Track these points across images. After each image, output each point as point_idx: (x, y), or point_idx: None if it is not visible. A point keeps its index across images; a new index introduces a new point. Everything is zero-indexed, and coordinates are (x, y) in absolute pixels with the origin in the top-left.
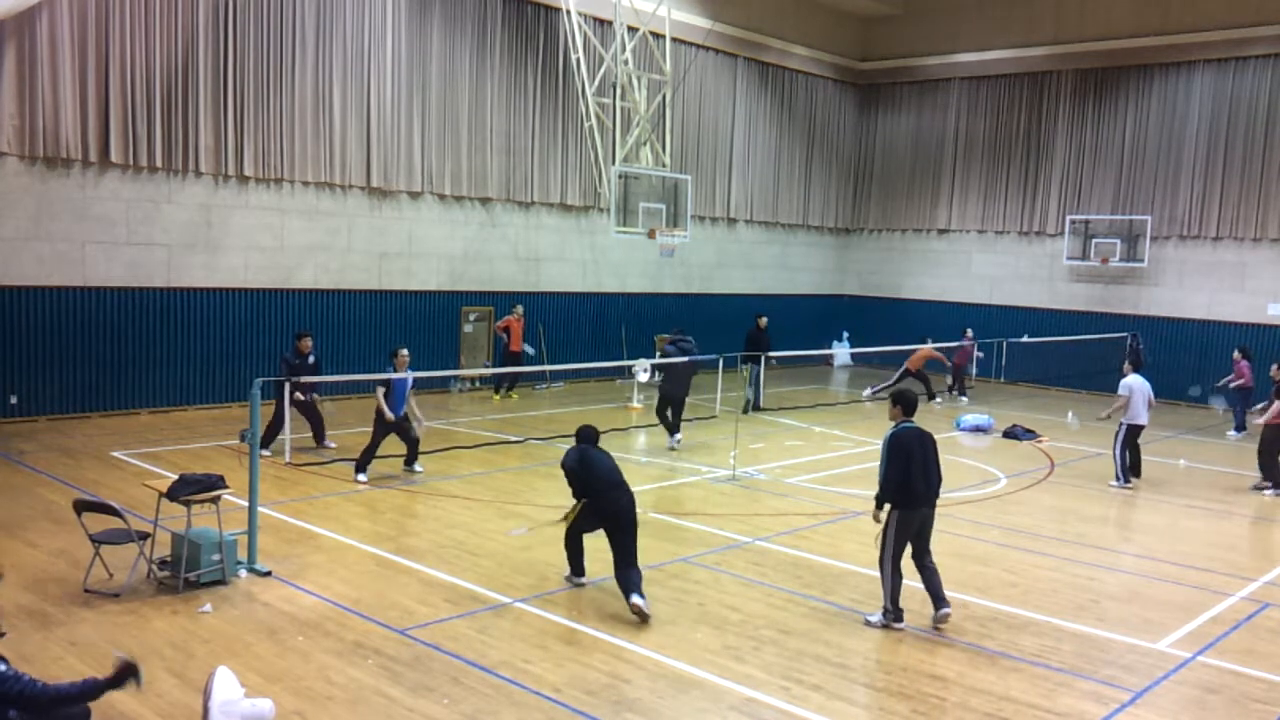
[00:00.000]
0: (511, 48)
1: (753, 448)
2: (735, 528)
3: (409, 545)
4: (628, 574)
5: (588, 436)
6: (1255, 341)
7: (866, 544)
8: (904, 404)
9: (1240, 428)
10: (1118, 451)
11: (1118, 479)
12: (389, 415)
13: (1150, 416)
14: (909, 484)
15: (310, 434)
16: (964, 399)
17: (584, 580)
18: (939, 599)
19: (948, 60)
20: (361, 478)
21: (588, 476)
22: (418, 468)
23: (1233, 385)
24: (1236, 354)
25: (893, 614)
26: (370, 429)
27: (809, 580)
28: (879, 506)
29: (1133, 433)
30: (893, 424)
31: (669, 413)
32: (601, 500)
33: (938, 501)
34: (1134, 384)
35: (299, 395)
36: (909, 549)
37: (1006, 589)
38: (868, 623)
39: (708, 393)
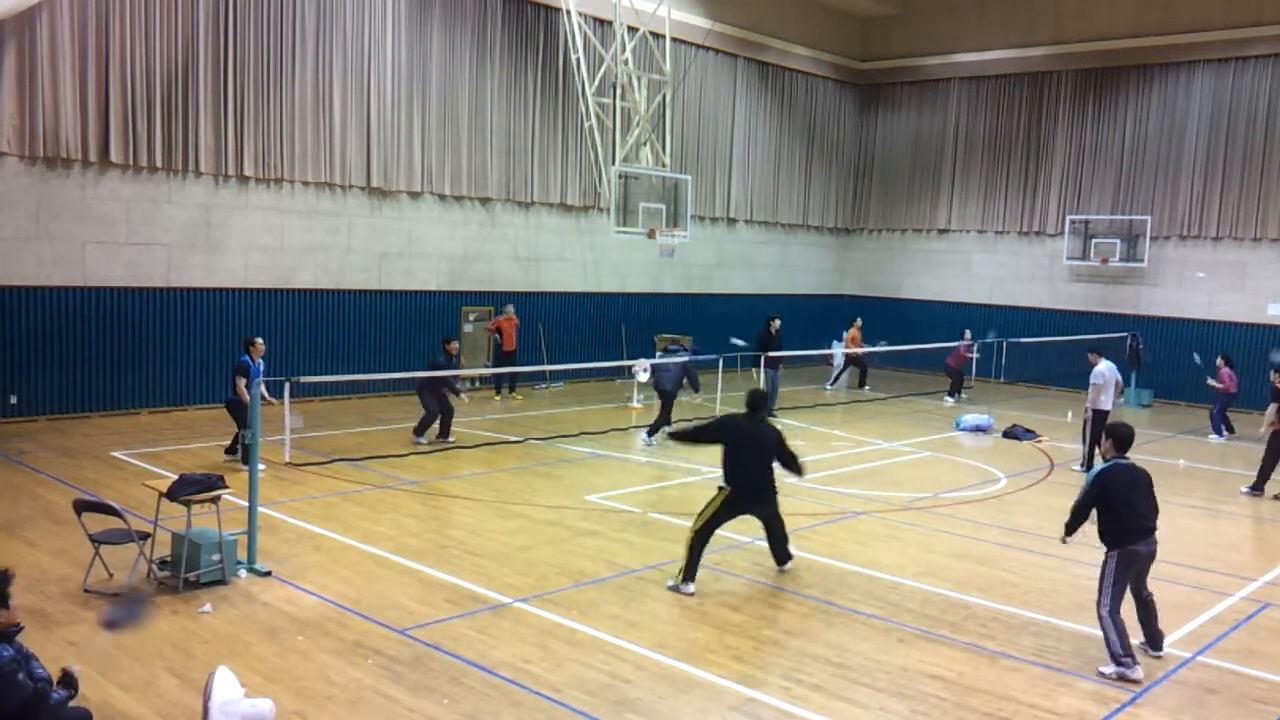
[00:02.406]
0: (511, 48)
1: None
2: (735, 528)
3: (409, 545)
4: None
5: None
6: (1255, 341)
7: (866, 544)
8: (1117, 439)
9: (1219, 432)
10: (1088, 437)
11: (1083, 465)
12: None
13: (1118, 404)
14: (1131, 521)
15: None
16: (950, 400)
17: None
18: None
19: (948, 60)
20: (232, 458)
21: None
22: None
23: (1213, 385)
24: (1220, 360)
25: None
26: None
27: (809, 580)
28: (1069, 534)
29: (1100, 418)
30: (1104, 460)
31: (666, 411)
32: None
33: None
34: (1106, 371)
35: (445, 390)
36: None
37: (1007, 589)
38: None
39: (708, 393)
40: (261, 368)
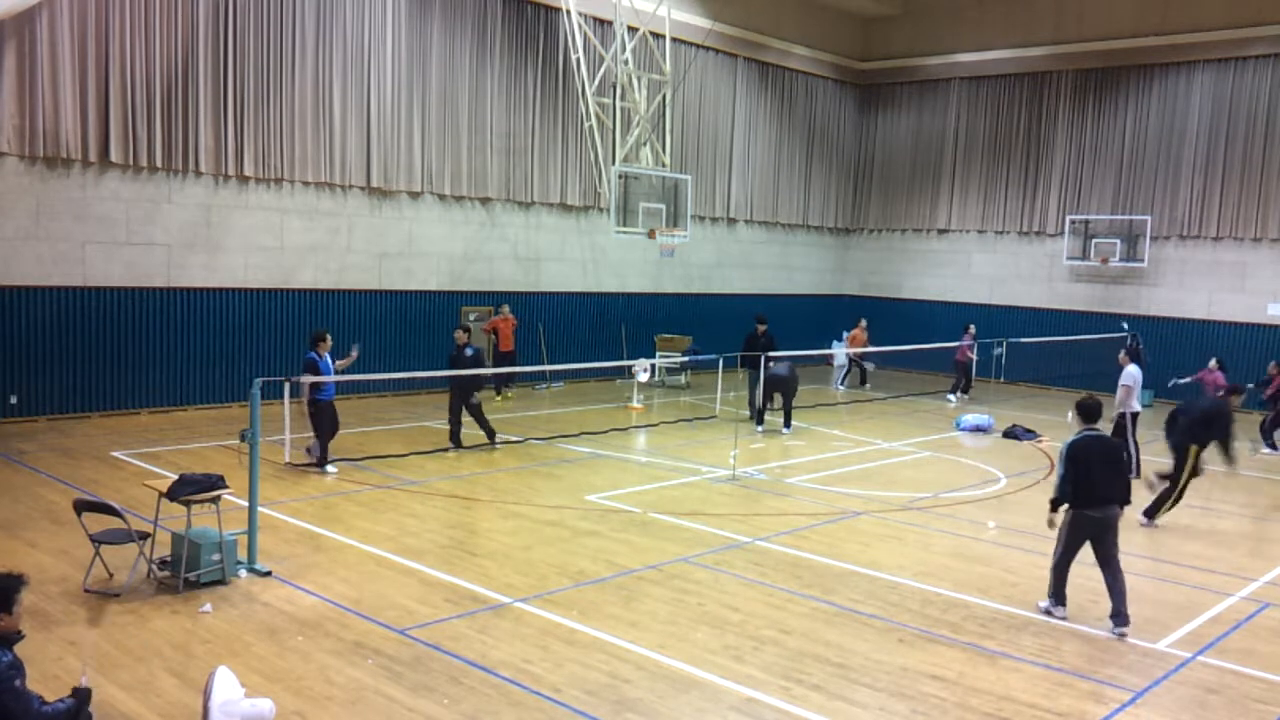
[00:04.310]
0: (511, 48)
1: (753, 448)
2: (735, 528)
3: (409, 545)
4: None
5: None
6: (1255, 341)
7: (867, 544)
8: (1082, 411)
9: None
10: (1134, 442)
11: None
12: (305, 408)
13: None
14: (1089, 488)
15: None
16: (953, 399)
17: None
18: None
19: (948, 60)
20: (331, 469)
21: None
22: (330, 469)
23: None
24: (1213, 363)
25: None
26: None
27: (809, 580)
28: (1054, 509)
29: (1134, 420)
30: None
31: (774, 400)
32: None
33: (934, 502)
34: (1135, 374)
35: (470, 398)
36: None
37: (1007, 589)
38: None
39: (708, 392)
40: (330, 363)
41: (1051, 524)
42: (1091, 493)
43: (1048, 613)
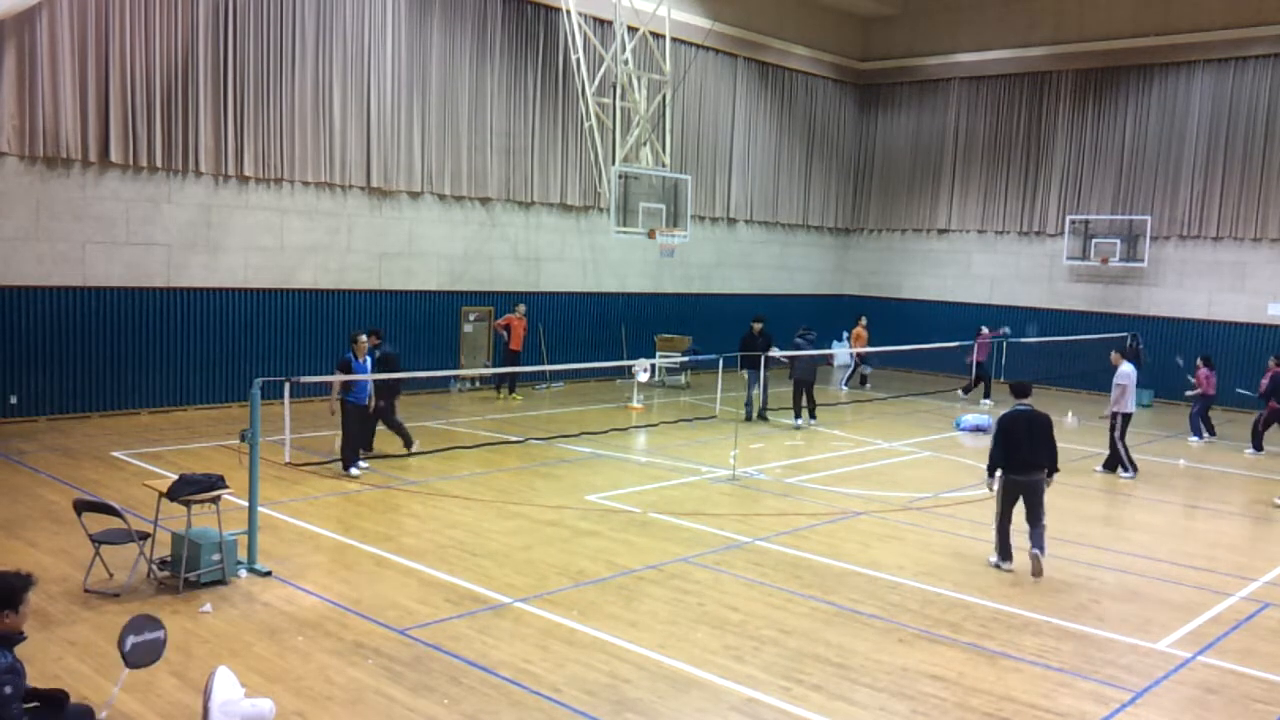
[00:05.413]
0: (511, 48)
1: (753, 448)
2: (735, 528)
3: (409, 545)
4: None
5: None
6: (1255, 341)
7: (867, 544)
8: (1014, 389)
9: (1198, 433)
10: (1122, 443)
11: (1126, 469)
12: (333, 406)
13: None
14: (1016, 456)
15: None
16: (986, 402)
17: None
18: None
19: (948, 60)
20: (354, 471)
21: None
22: (355, 470)
23: (1192, 383)
24: (1198, 361)
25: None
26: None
27: (809, 580)
28: (989, 475)
29: (1126, 421)
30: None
31: (802, 397)
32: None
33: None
34: (1130, 372)
35: (379, 403)
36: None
37: (1007, 589)
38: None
39: (708, 392)
40: (368, 365)
41: (990, 488)
42: (1018, 460)
43: (996, 566)
